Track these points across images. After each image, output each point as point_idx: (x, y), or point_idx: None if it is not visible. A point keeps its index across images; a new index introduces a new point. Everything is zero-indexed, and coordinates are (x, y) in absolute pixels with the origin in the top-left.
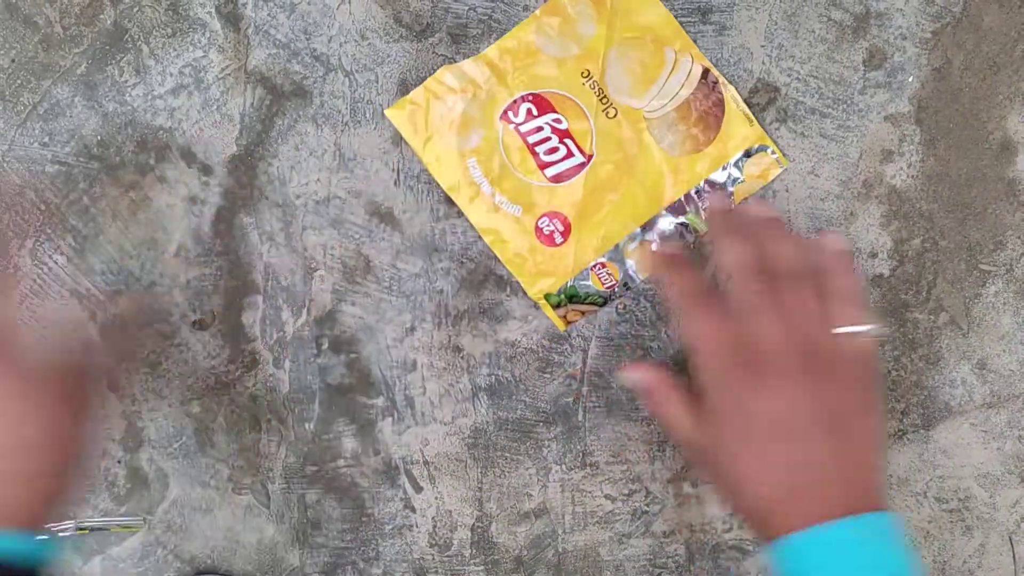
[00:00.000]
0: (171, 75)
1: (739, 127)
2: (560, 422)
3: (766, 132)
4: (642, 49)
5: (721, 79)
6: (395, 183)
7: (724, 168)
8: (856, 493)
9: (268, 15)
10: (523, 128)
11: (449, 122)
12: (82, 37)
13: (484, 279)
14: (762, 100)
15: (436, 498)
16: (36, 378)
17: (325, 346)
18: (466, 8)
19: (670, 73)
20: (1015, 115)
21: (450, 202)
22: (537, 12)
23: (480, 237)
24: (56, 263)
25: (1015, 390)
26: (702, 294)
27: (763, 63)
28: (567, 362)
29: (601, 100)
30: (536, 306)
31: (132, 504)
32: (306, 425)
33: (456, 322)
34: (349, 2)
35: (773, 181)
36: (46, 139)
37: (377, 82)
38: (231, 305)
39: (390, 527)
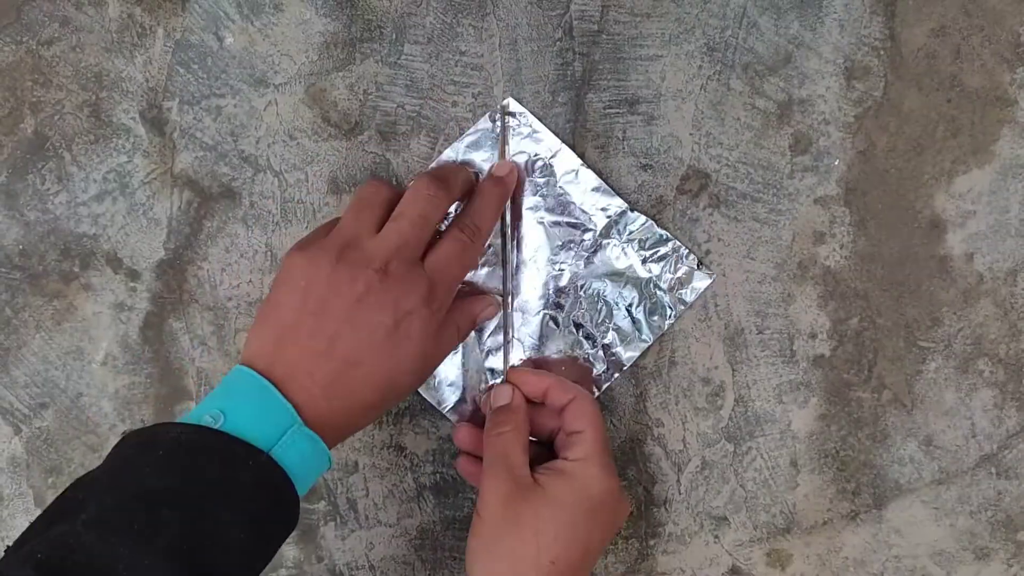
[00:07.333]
0: (95, 181)
1: None
2: None
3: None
4: None
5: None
6: None
7: None
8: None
9: (194, 118)
10: None
11: None
12: (1, 147)
13: None
14: (694, 187)
15: None
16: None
17: None
18: (394, 105)
19: None
20: (942, 194)
21: None
22: None
23: None
24: None
25: (963, 466)
26: None
27: (693, 151)
28: None
29: None
30: None
31: None
32: None
33: (397, 420)
34: (276, 103)
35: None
36: None
37: (307, 181)
38: (162, 414)
39: None
